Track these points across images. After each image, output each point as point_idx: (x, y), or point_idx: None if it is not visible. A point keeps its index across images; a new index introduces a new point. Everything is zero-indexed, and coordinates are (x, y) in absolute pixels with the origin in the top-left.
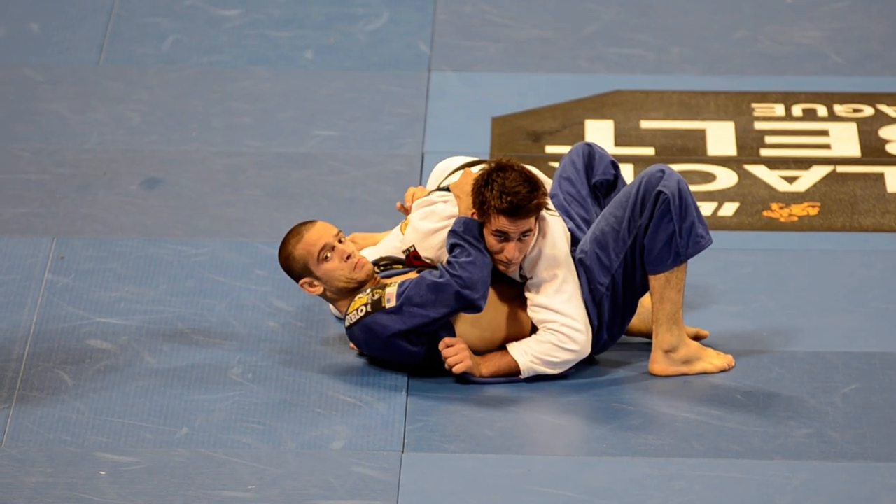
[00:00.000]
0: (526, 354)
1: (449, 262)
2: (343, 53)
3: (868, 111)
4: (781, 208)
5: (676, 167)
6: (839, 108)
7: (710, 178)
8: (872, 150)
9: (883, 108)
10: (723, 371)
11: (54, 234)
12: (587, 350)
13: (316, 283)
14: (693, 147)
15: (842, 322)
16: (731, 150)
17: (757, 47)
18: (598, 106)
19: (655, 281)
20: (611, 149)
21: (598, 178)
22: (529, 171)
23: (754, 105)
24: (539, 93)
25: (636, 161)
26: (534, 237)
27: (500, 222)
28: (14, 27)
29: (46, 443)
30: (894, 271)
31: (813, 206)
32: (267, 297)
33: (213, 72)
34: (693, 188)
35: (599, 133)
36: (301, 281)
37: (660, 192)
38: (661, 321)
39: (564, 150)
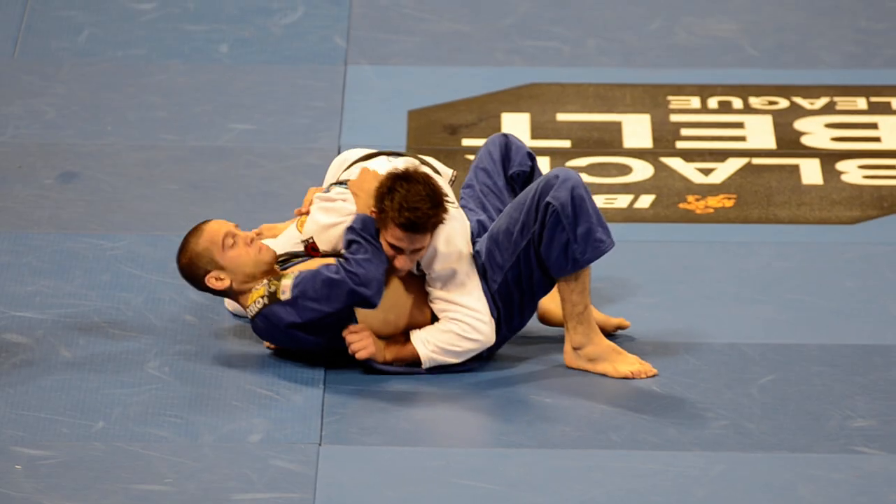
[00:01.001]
0: (427, 344)
1: (345, 258)
2: (258, 47)
3: (783, 103)
4: (697, 200)
5: (592, 160)
6: (754, 101)
7: (626, 170)
8: (788, 142)
9: (798, 100)
10: (626, 378)
11: None
12: (491, 339)
13: (223, 275)
14: (609, 140)
15: (758, 313)
16: (647, 142)
17: (673, 39)
18: (515, 99)
19: (559, 283)
20: (528, 141)
21: (514, 170)
22: (433, 185)
23: (670, 97)
24: (455, 86)
25: (553, 153)
26: (427, 249)
27: (396, 235)
28: None
29: None
30: (810, 263)
31: (729, 199)
32: (183, 291)
33: (129, 65)
34: (609, 181)
35: (516, 126)
36: (208, 276)
37: (548, 203)
38: (568, 319)
39: (481, 142)
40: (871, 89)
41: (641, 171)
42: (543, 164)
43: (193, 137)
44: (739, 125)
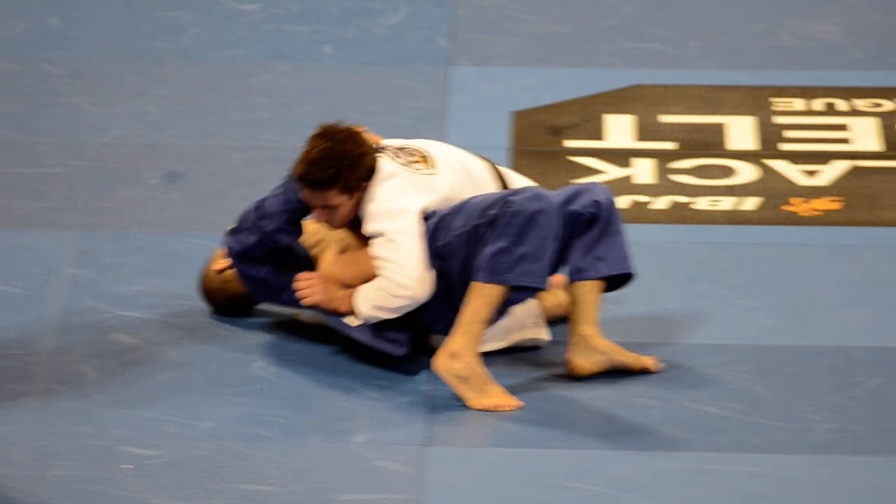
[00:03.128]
0: (365, 301)
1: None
2: (361, 48)
3: (888, 105)
4: (802, 203)
5: (697, 161)
6: (859, 103)
7: (730, 172)
8: (894, 144)
9: None
10: (484, 409)
11: (76, 227)
12: (419, 294)
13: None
14: (713, 141)
15: (864, 317)
16: (750, 144)
17: (776, 41)
18: (618, 100)
19: (472, 282)
20: (631, 143)
21: (574, 208)
22: (343, 143)
23: (773, 99)
24: (558, 87)
25: (657, 155)
26: (346, 210)
27: (301, 189)
28: (33, 21)
29: (70, 436)
30: None
31: (834, 201)
32: None
33: (232, 66)
34: (713, 183)
35: (619, 127)
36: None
37: (512, 203)
38: (458, 324)
39: (584, 144)
40: None
41: (746, 173)
42: (647, 166)
43: (296, 138)
44: (844, 127)
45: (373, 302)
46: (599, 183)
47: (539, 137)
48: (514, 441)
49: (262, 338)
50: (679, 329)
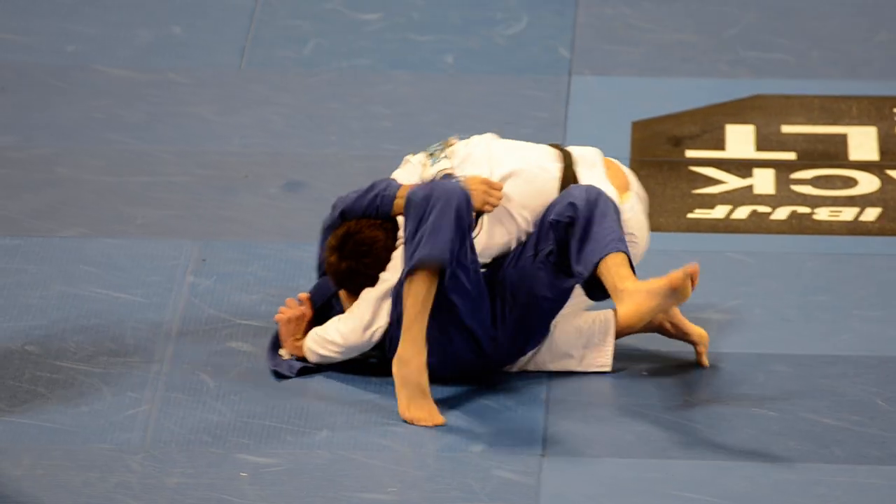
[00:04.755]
0: (314, 337)
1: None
2: (483, 57)
3: None
4: None
5: (817, 172)
6: None
7: (851, 182)
8: None
9: None
10: (406, 420)
11: (196, 236)
12: (351, 344)
13: None
14: (835, 152)
15: None
16: (873, 155)
17: None
18: (739, 110)
19: None
20: (752, 153)
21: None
22: (363, 261)
23: None
24: (679, 97)
25: (778, 166)
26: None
27: None
28: (158, 31)
29: (188, 444)
30: None
31: None
32: None
33: (354, 75)
34: (834, 193)
35: (740, 137)
36: None
37: (435, 194)
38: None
39: (704, 154)
40: None
41: (867, 183)
42: (768, 175)
43: (418, 147)
44: None
45: (316, 337)
46: (587, 185)
47: (659, 147)
48: (632, 451)
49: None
50: (798, 340)
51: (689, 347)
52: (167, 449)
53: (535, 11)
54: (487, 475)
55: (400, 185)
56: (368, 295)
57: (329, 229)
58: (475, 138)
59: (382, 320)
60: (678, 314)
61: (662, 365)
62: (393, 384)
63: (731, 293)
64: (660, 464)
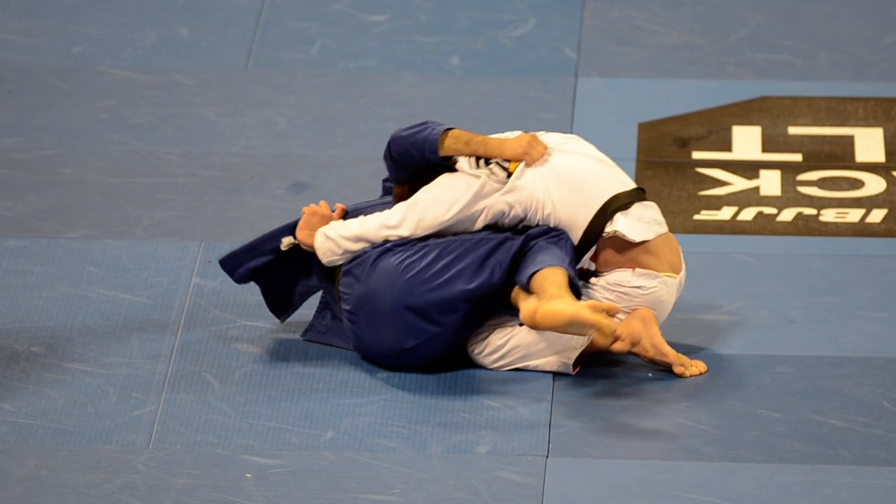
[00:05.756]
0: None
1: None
2: (490, 59)
3: None
4: None
5: (824, 173)
6: None
7: (858, 184)
8: None
9: None
10: None
11: (202, 237)
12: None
13: None
14: (841, 153)
15: None
16: (879, 156)
17: None
18: (746, 112)
19: None
20: (758, 155)
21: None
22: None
23: None
24: (686, 98)
25: (784, 167)
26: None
27: None
28: (164, 32)
29: (193, 445)
30: None
31: None
32: None
33: (360, 77)
34: (840, 195)
35: (746, 139)
36: None
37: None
38: None
39: (711, 155)
40: None
41: (873, 185)
42: (774, 177)
43: None
44: None
45: (328, 229)
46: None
47: (666, 149)
48: (637, 452)
49: None
50: (804, 341)
51: (694, 349)
52: (172, 450)
53: (543, 13)
54: (492, 477)
55: (446, 129)
56: (402, 204)
57: (385, 159)
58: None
59: (404, 231)
60: (657, 336)
61: (666, 367)
62: (398, 385)
63: (737, 294)
64: (665, 465)
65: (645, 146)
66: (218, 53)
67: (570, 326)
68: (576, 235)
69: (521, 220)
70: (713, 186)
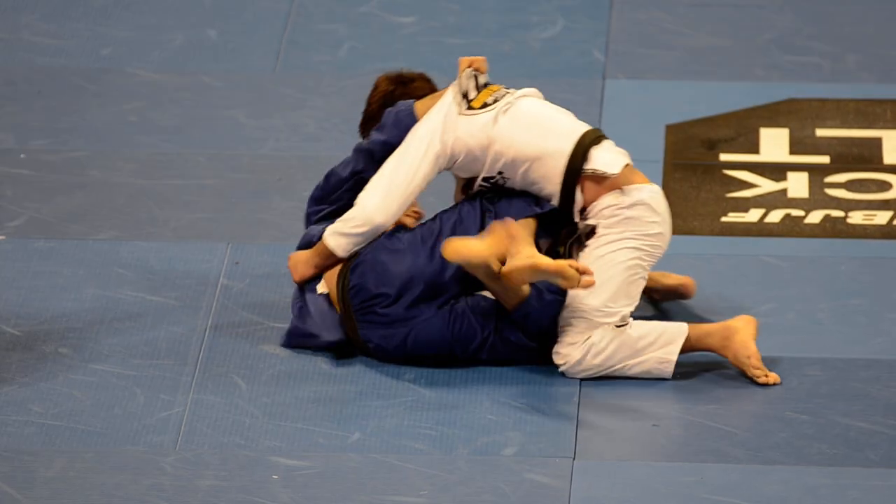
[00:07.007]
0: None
1: None
2: (517, 61)
3: None
4: None
5: (851, 176)
6: None
7: (886, 186)
8: None
9: None
10: None
11: (229, 239)
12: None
13: None
14: (869, 156)
15: None
16: None
17: None
18: (773, 114)
19: None
20: (786, 157)
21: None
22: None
23: None
24: (713, 100)
25: (811, 169)
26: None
27: None
28: (192, 34)
29: (220, 446)
30: None
31: None
32: None
33: None
34: (868, 197)
35: (774, 141)
36: None
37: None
38: None
39: (739, 158)
40: None
41: None
42: (801, 178)
43: None
44: None
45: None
46: None
47: (693, 151)
48: (664, 454)
49: None
50: (832, 343)
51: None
52: (199, 451)
53: (570, 15)
54: (519, 479)
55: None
56: (373, 178)
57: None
58: (517, 93)
59: (380, 198)
60: (661, 277)
61: (694, 369)
62: (425, 387)
63: (765, 297)
64: (692, 467)
65: (672, 148)
66: (246, 55)
67: (536, 275)
68: (555, 182)
69: (501, 174)
70: (741, 188)
